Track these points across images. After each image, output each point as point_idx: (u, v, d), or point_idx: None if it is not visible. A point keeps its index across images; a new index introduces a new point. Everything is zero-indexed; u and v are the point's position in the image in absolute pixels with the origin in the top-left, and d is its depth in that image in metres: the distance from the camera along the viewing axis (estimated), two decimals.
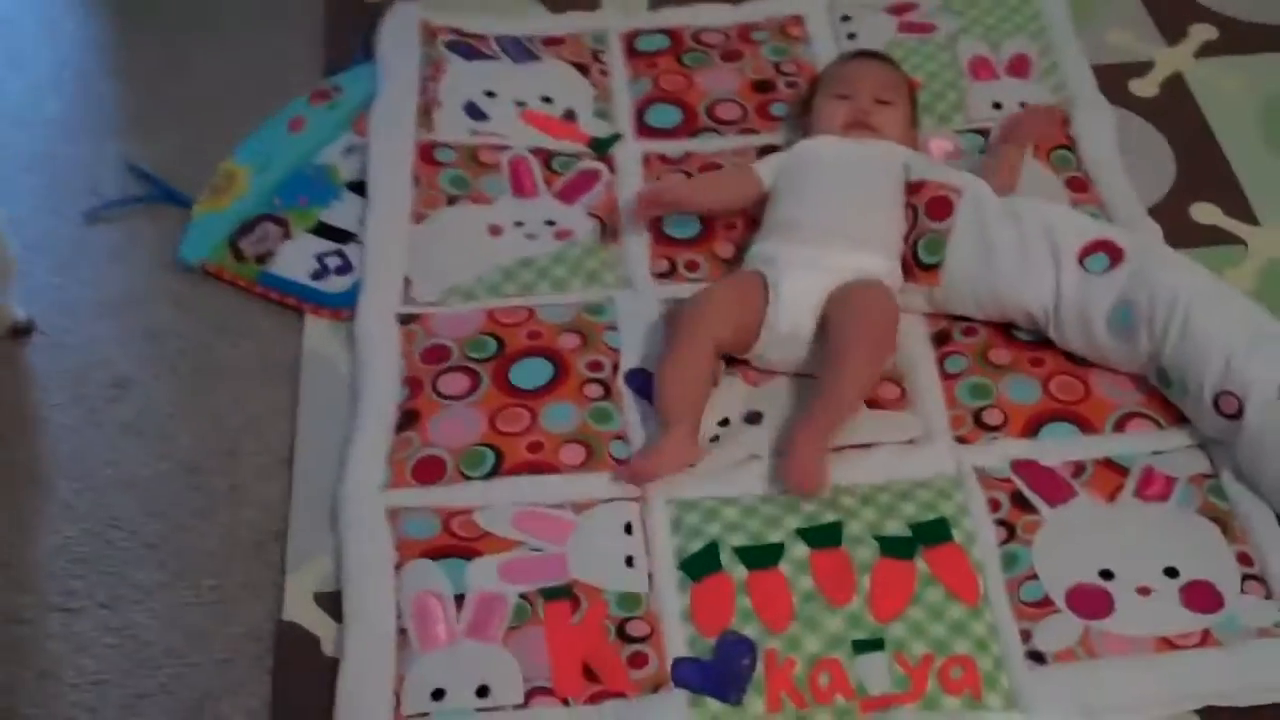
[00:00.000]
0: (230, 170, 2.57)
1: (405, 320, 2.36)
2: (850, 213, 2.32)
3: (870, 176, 2.38)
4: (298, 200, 2.52)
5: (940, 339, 2.33)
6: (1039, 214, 2.29)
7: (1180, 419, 2.18)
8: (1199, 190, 2.59)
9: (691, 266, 2.43)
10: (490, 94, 2.71)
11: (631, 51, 2.83)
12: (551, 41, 2.85)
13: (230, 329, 2.39)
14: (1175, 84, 2.79)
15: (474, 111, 2.68)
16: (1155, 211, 2.52)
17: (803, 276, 2.23)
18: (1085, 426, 2.19)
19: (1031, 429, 2.19)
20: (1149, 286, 2.15)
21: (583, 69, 2.79)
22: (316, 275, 2.41)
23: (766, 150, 2.60)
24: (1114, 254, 2.22)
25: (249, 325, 2.39)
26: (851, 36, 2.83)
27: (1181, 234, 2.47)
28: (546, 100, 2.71)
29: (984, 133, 2.64)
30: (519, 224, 2.50)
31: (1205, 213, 2.55)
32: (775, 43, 2.83)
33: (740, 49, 2.82)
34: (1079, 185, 2.55)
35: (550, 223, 2.50)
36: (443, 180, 2.54)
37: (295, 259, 2.44)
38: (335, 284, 2.41)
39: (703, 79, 2.76)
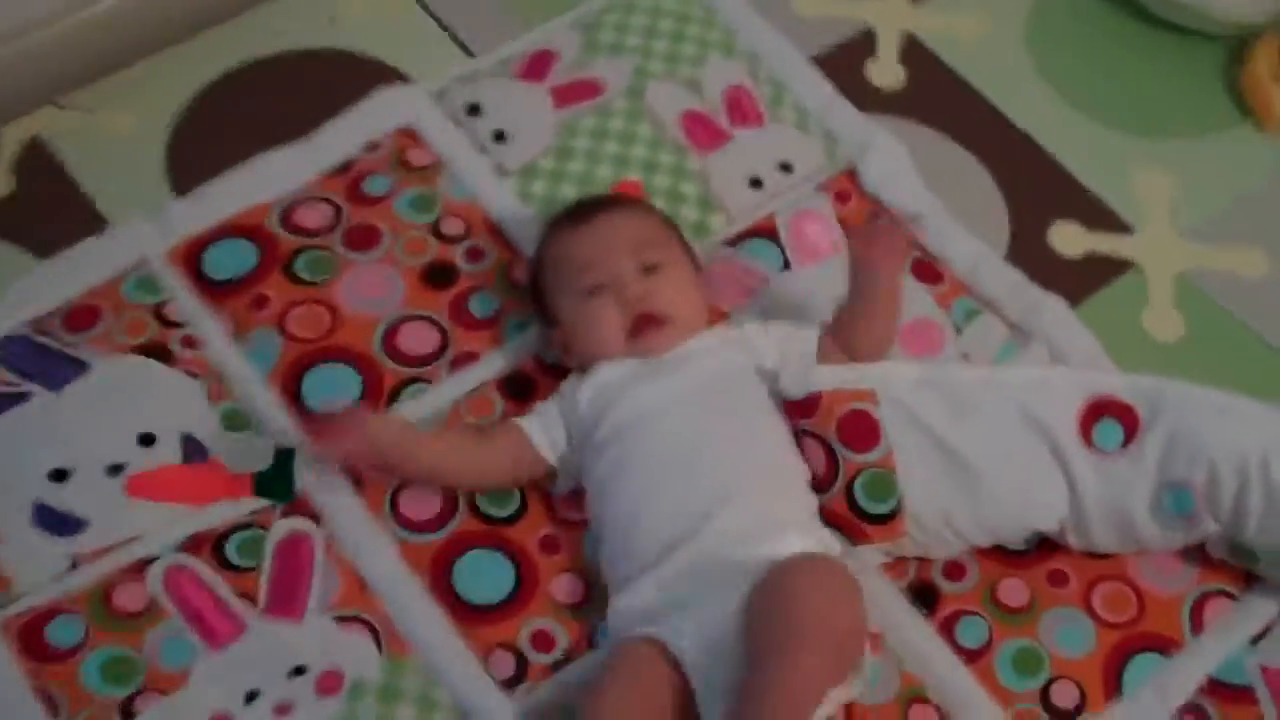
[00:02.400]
0: None
1: None
2: (729, 482, 1.57)
3: (723, 413, 1.63)
4: None
5: (922, 597, 1.67)
6: (998, 390, 1.63)
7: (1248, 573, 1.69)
8: (1040, 208, 2.02)
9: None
10: (59, 475, 1.69)
11: (204, 284, 1.85)
12: (81, 317, 1.81)
13: None
14: (915, 54, 2.16)
15: (48, 519, 1.66)
16: (1012, 258, 1.94)
17: (714, 619, 1.48)
18: (1166, 647, 1.65)
19: (1113, 686, 1.62)
20: (1200, 457, 1.58)
21: (159, 354, 1.79)
22: None
23: (510, 385, 1.79)
24: (1124, 416, 1.62)
25: None
26: (500, 137, 1.98)
27: (1060, 282, 1.91)
28: (146, 440, 1.73)
29: (765, 234, 1.93)
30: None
31: (1067, 238, 1.99)
32: (409, 190, 1.93)
33: (369, 221, 1.90)
34: (928, 273, 1.91)
35: (299, 671, 1.60)
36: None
37: None
38: None
39: (347, 297, 1.84)
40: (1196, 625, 1.66)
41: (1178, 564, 1.69)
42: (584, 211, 1.77)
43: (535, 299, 1.80)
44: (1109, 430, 1.62)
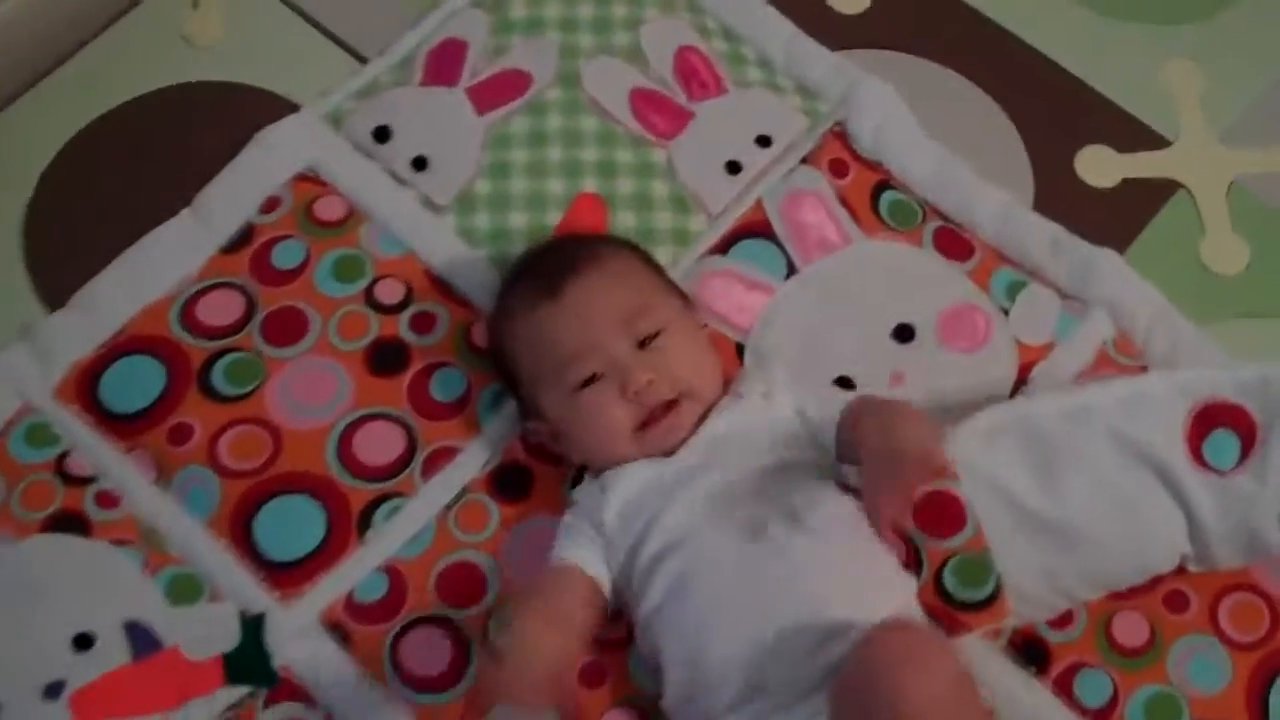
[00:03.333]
0: None
1: None
2: (811, 593, 1.31)
3: (780, 509, 1.35)
4: None
5: (1028, 654, 1.43)
6: (1085, 420, 1.39)
7: None
8: (1060, 134, 1.75)
9: None
10: None
11: (108, 421, 1.54)
12: None
13: None
14: None
15: None
16: (1042, 206, 1.68)
17: None
18: None
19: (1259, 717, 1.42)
20: None
21: (74, 525, 1.49)
22: None
23: (501, 483, 1.52)
24: (1237, 423, 1.39)
25: None
26: (421, 164, 1.66)
27: (1098, 220, 1.66)
28: (82, 643, 1.42)
29: (758, 231, 1.65)
30: None
31: (1097, 166, 1.73)
32: (328, 253, 1.62)
33: (289, 304, 1.58)
34: (955, 245, 1.64)
35: None
36: None
37: None
38: None
39: (283, 407, 1.54)
40: None
41: None
42: (551, 281, 1.46)
43: (504, 378, 1.53)
44: (1223, 444, 1.40)
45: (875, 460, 1.35)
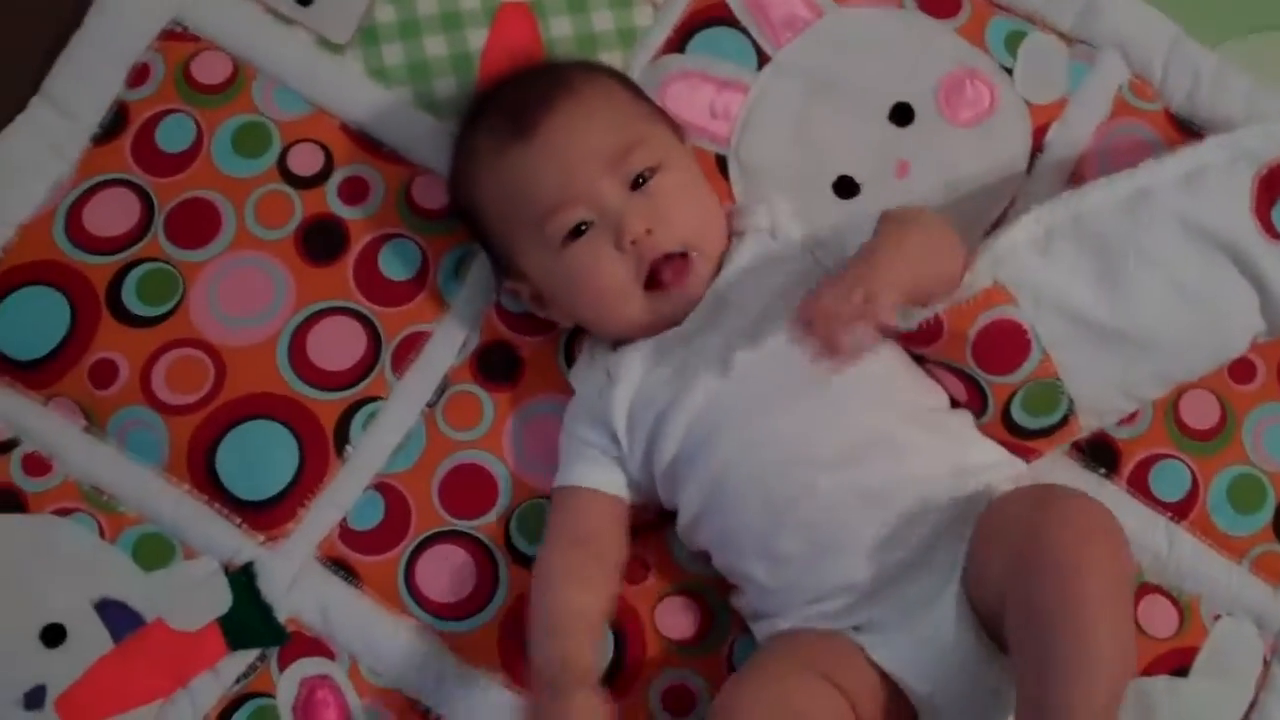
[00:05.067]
0: None
1: None
2: (874, 446, 1.21)
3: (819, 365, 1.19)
4: None
5: (1097, 456, 1.36)
6: (1147, 210, 1.26)
7: None
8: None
9: None
10: None
11: (15, 371, 1.35)
12: None
13: None
14: None
15: None
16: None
17: (928, 612, 1.17)
18: None
19: None
20: None
21: (8, 501, 1.31)
22: None
23: (486, 365, 1.37)
24: None
25: None
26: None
27: None
28: (52, 637, 1.25)
29: (717, 18, 1.46)
30: None
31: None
32: (223, 124, 1.41)
33: (193, 194, 1.38)
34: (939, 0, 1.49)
35: None
36: None
37: None
38: None
39: (215, 321, 1.36)
40: None
41: None
42: (519, 117, 1.28)
43: (474, 234, 1.36)
44: None
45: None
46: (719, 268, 1.29)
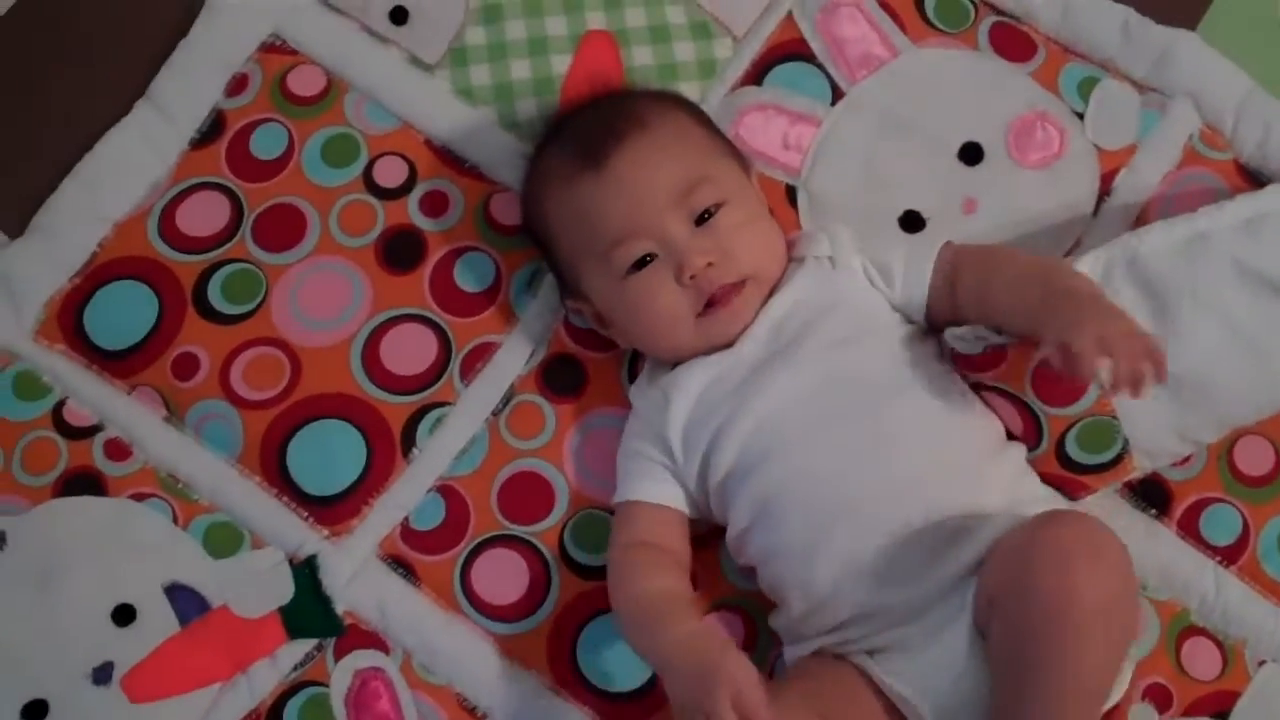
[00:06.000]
0: None
1: None
2: (917, 475, 1.25)
3: (872, 386, 1.29)
4: None
5: (1148, 497, 1.39)
6: (1203, 254, 1.31)
7: None
8: None
9: None
10: (34, 711, 1.33)
11: (102, 359, 1.44)
12: None
13: None
14: None
15: None
16: None
17: (941, 644, 1.21)
18: None
19: None
20: None
21: (87, 484, 1.39)
22: None
23: (552, 378, 1.44)
24: None
25: None
26: (400, 17, 1.51)
27: None
28: (123, 617, 1.34)
29: (794, 53, 1.52)
30: None
31: None
32: (315, 135, 1.49)
33: (281, 199, 1.46)
34: (1014, 44, 1.52)
35: None
36: None
37: None
38: None
39: (294, 321, 1.44)
40: None
41: None
42: (592, 148, 1.34)
43: (542, 252, 1.43)
44: None
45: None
46: (772, 292, 1.34)
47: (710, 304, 1.32)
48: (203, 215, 1.48)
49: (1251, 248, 1.31)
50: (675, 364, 1.36)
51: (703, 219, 1.32)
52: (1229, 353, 1.31)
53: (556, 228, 1.38)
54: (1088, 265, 1.31)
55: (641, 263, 1.32)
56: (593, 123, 1.37)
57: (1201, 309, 1.30)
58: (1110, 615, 1.13)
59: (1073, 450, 1.32)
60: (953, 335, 1.31)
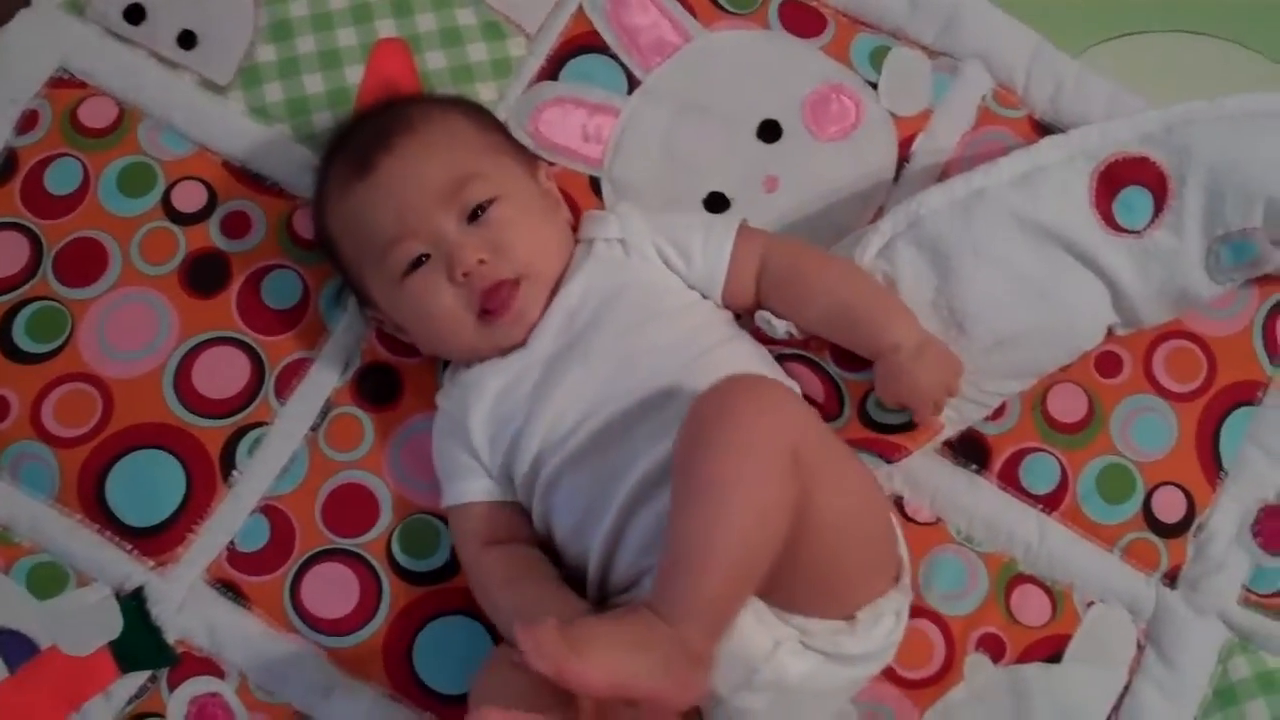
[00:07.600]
0: None
1: None
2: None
3: (664, 373, 1.32)
4: None
5: (967, 452, 1.45)
6: (980, 209, 1.37)
7: None
8: None
9: None
10: None
11: None
12: None
13: None
14: None
15: None
16: None
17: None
18: (1252, 394, 1.48)
19: (1213, 469, 1.46)
20: (1253, 196, 1.38)
21: None
22: None
23: (367, 389, 1.47)
24: (1146, 177, 1.39)
25: None
26: (189, 41, 1.53)
27: None
28: None
29: (587, 46, 1.56)
30: None
31: None
32: (110, 166, 1.51)
33: (80, 234, 1.48)
34: (804, 20, 1.58)
35: None
36: None
37: None
38: None
39: (102, 355, 1.45)
40: (1273, 349, 1.49)
41: (1231, 291, 1.48)
42: (360, 156, 1.38)
43: (333, 265, 1.46)
44: (1134, 201, 1.40)
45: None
46: (561, 281, 1.38)
47: (489, 312, 1.35)
48: (1, 256, 1.50)
49: (1028, 200, 1.38)
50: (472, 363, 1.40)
51: (475, 216, 1.36)
52: (1018, 301, 1.38)
53: (338, 238, 1.41)
54: (877, 240, 1.37)
55: (417, 264, 1.35)
56: (362, 132, 1.41)
57: (984, 263, 1.37)
58: (751, 465, 1.16)
59: (875, 412, 1.38)
60: (763, 319, 1.37)
